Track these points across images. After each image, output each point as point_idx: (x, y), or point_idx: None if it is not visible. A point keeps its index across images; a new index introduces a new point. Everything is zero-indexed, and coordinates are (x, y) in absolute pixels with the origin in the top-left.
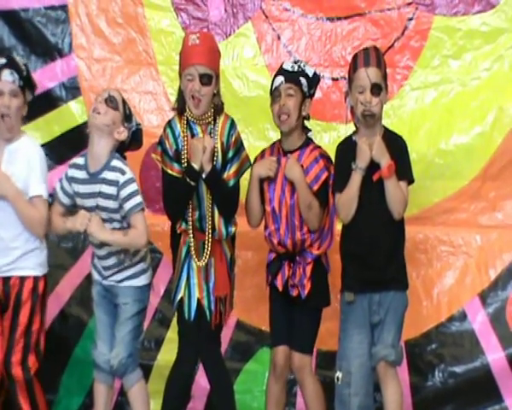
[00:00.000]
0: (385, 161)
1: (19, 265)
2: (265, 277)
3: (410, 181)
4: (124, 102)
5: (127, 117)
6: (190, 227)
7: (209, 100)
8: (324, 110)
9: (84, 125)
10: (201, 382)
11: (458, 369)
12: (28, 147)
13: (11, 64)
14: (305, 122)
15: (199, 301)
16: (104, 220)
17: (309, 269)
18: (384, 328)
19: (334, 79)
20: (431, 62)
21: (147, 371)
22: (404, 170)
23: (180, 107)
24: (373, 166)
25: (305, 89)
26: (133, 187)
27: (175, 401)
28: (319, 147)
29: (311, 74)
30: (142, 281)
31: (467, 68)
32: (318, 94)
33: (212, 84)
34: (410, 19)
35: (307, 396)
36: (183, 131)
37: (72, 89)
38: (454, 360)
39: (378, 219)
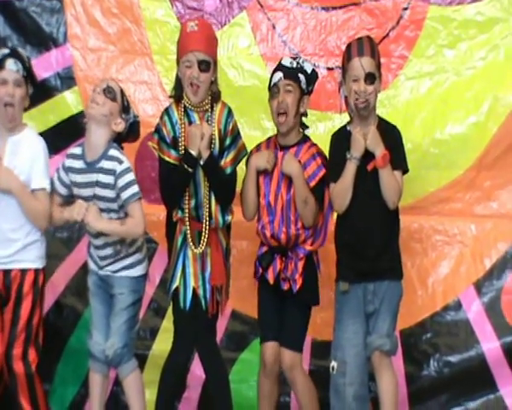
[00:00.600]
0: (379, 150)
1: (19, 257)
2: (254, 270)
3: (405, 171)
4: (122, 93)
5: (125, 108)
6: (187, 215)
7: (207, 87)
8: (319, 100)
9: (79, 115)
10: (197, 371)
11: (453, 358)
12: (31, 139)
13: (15, 54)
14: (303, 118)
15: (194, 290)
16: (102, 210)
17: (301, 265)
18: (379, 317)
19: (329, 69)
20: (426, 52)
21: (142, 361)
22: (398, 159)
23: (177, 94)
24: (367, 155)
25: (304, 85)
26: (130, 176)
27: (170, 391)
28: (316, 144)
29: (309, 71)
30: (137, 271)
31: (462, 58)
32: None
33: (210, 71)
34: (405, 8)
35: (299, 394)
36: (180, 119)
37: (67, 79)
38: (449, 350)
39: (372, 209)
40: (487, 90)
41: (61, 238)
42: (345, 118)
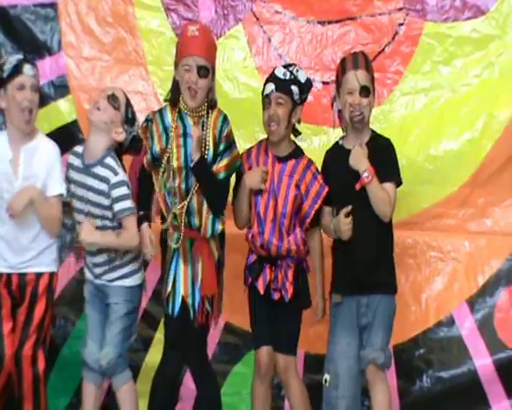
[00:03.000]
0: (363, 168)
1: (34, 262)
2: (244, 277)
3: (398, 183)
4: (128, 104)
5: (128, 120)
6: (177, 222)
7: (205, 93)
8: (315, 114)
9: (73, 123)
10: (189, 384)
11: (446, 374)
12: (46, 146)
13: (29, 60)
14: (297, 125)
15: (183, 299)
16: (96, 216)
17: (291, 273)
18: (372, 331)
19: (325, 83)
20: (421, 68)
21: (135, 372)
22: (390, 171)
23: (174, 97)
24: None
25: (296, 96)
26: (124, 190)
27: (161, 401)
28: (311, 160)
29: (303, 80)
30: (133, 281)
31: (457, 75)
32: (309, 97)
33: (208, 78)
34: (401, 24)
35: (293, 398)
36: (173, 122)
37: (61, 87)
38: (442, 366)
39: (366, 223)
40: (482, 108)
41: None
42: (340, 132)
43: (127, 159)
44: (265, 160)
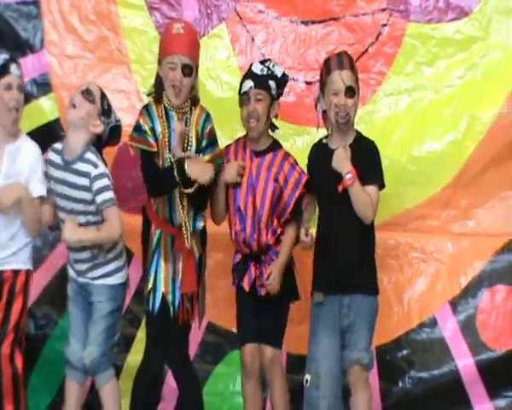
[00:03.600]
0: (345, 170)
1: (12, 259)
2: (232, 277)
3: (381, 186)
4: (103, 96)
5: (105, 111)
6: (161, 218)
7: (188, 91)
8: (298, 114)
9: (55, 122)
10: (171, 383)
11: (428, 375)
12: (29, 146)
13: (15, 60)
14: (274, 120)
15: (164, 296)
16: (79, 212)
17: None
18: (354, 331)
19: (308, 83)
20: (404, 69)
21: (117, 371)
22: (373, 174)
23: (157, 94)
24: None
25: (274, 91)
26: (105, 181)
27: (144, 400)
28: (287, 152)
29: (280, 75)
30: (116, 279)
31: (440, 76)
32: (292, 97)
33: (192, 76)
34: (384, 25)
35: (276, 392)
36: (159, 116)
37: (44, 85)
38: (424, 367)
39: (348, 224)
40: (465, 109)
41: (34, 246)
42: (323, 132)
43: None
44: (243, 155)
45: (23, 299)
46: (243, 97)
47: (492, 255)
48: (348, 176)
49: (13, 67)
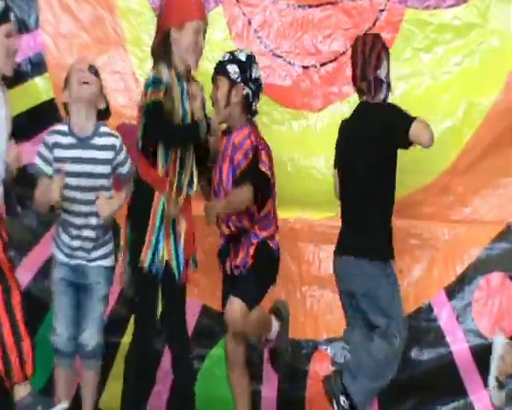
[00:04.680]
0: None
1: None
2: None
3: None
4: None
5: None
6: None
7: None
8: (294, 98)
9: (50, 101)
10: (166, 366)
11: (423, 363)
12: None
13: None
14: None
15: (167, 262)
16: (94, 189)
17: (252, 249)
18: None
19: (305, 67)
20: (402, 55)
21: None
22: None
23: (168, 56)
24: None
25: (235, 75)
26: (126, 151)
27: (138, 378)
28: (256, 127)
29: (244, 58)
30: (110, 262)
31: (438, 62)
32: (288, 82)
33: None
34: (382, 10)
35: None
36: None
37: (39, 64)
38: (419, 353)
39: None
40: (462, 96)
41: (29, 227)
42: (319, 117)
43: None
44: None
45: None
46: None
47: (489, 243)
48: None
49: (12, 15)
